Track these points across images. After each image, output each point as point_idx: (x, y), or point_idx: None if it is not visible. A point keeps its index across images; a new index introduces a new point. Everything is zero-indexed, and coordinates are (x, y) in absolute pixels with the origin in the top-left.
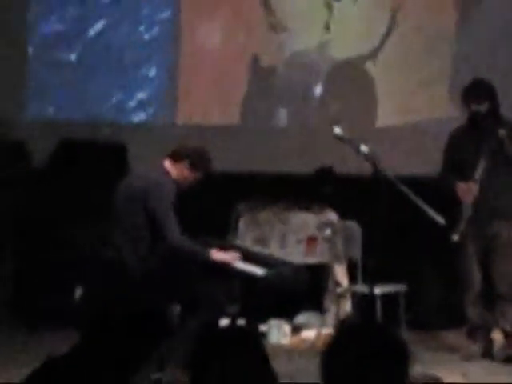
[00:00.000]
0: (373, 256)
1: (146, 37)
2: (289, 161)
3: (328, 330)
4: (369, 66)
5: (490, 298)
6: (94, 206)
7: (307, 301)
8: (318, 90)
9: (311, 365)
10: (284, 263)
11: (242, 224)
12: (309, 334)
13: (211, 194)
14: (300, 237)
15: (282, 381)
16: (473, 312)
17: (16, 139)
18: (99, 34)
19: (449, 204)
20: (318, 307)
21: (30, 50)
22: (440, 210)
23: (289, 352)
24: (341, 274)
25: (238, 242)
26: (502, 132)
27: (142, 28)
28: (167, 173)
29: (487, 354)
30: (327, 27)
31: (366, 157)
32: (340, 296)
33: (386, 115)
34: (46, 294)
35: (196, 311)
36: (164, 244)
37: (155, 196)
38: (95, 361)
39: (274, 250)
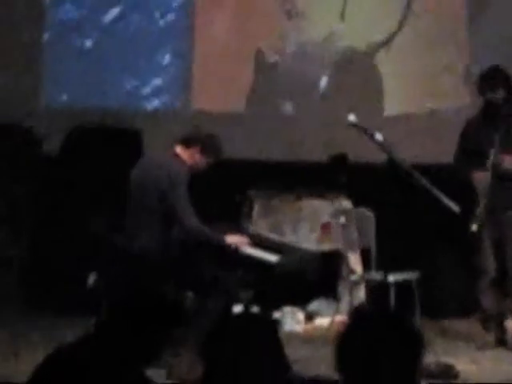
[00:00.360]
0: (386, 244)
1: (161, 24)
2: (303, 148)
3: (341, 318)
4: (381, 54)
5: (504, 286)
6: (108, 192)
7: (321, 288)
8: (326, 79)
9: (325, 352)
10: (298, 250)
11: (256, 211)
12: (322, 321)
13: (225, 181)
14: (314, 224)
15: (295, 368)
16: (486, 301)
17: (30, 126)
18: (114, 20)
19: (464, 192)
20: (332, 295)
21: (46, 36)
22: (455, 198)
23: (302, 339)
24: (354, 261)
25: (252, 228)
26: None
27: (156, 15)
28: (179, 158)
29: (501, 342)
30: (342, 15)
31: (381, 145)
32: (354, 283)
33: (400, 103)
34: (60, 281)
35: (208, 298)
36: (180, 229)
37: (170, 182)
38: (108, 349)
39: (287, 237)
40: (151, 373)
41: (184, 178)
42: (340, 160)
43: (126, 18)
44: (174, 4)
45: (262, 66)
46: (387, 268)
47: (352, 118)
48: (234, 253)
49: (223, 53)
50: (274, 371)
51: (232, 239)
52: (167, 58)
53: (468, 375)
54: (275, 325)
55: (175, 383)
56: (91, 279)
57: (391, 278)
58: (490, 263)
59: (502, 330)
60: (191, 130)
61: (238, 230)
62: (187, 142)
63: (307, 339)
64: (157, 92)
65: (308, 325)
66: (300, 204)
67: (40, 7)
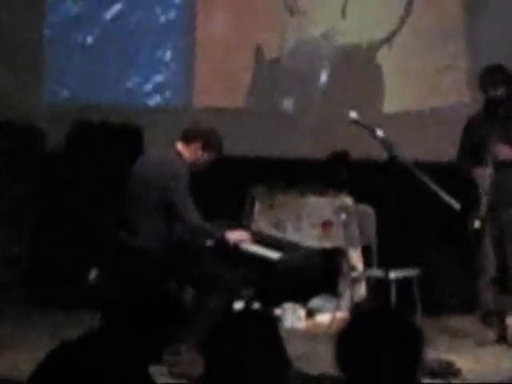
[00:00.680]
0: (387, 241)
1: (162, 20)
2: (304, 146)
3: (342, 315)
4: (383, 51)
5: (504, 283)
6: (110, 188)
7: (322, 285)
8: (326, 76)
9: (325, 349)
10: (299, 247)
11: (257, 208)
12: (323, 318)
13: (226, 178)
14: (315, 221)
15: (296, 365)
16: (487, 297)
17: (32, 122)
18: (115, 17)
19: (466, 190)
20: (333, 291)
21: (47, 32)
22: (456, 195)
23: (303, 336)
24: (355, 258)
25: (254, 225)
26: None
27: (158, 11)
28: (180, 155)
29: (501, 339)
30: (343, 12)
31: (382, 141)
32: (354, 280)
33: (400, 101)
34: (62, 276)
35: (209, 295)
36: (181, 225)
37: (171, 179)
38: (110, 346)
39: (289, 234)
40: (152, 370)
41: (185, 174)
42: (341, 157)
43: (128, 14)
44: (176, 0)
45: (263, 63)
46: (388, 265)
47: (353, 114)
48: (236, 250)
49: (224, 49)
50: (275, 368)
51: (234, 235)
52: (168, 55)
53: (469, 372)
54: (276, 321)
55: (176, 381)
56: (92, 275)
57: (392, 274)
58: (490, 261)
59: (503, 327)
60: (191, 125)
61: (240, 227)
62: (188, 138)
63: (308, 336)
64: (158, 88)
65: (309, 321)
66: (301, 201)
67: (41, 3)
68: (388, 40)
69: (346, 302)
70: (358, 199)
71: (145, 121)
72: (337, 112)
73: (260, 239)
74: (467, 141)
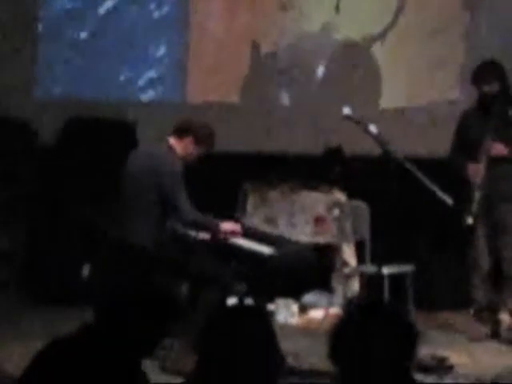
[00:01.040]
0: (381, 236)
1: (156, 15)
2: (296, 141)
3: (335, 310)
4: (377, 47)
5: (497, 279)
6: (103, 184)
7: (315, 280)
8: (322, 71)
9: (318, 344)
10: (292, 243)
11: (250, 203)
12: (316, 313)
13: (219, 173)
14: (308, 217)
15: (289, 360)
16: (480, 293)
17: (24, 118)
18: (109, 12)
19: (459, 186)
20: (326, 287)
21: (40, 27)
22: (449, 191)
23: (296, 331)
24: (349, 253)
25: (247, 221)
26: (511, 113)
27: (152, 7)
28: (172, 149)
29: (495, 335)
30: (337, 7)
31: (375, 137)
32: (348, 276)
33: (396, 96)
34: (55, 272)
35: (203, 290)
36: (175, 216)
37: (165, 173)
38: (104, 341)
39: (282, 229)
40: (144, 365)
41: (178, 167)
42: (335, 152)
43: (121, 9)
44: None
45: (258, 58)
46: (381, 260)
47: (347, 110)
48: (228, 245)
49: (218, 44)
50: (268, 363)
51: (227, 226)
52: (162, 50)
53: (462, 368)
54: (269, 317)
55: (168, 376)
56: (85, 270)
57: (385, 270)
58: (483, 256)
59: (496, 322)
60: (183, 120)
61: (232, 220)
62: (180, 133)
63: (301, 331)
64: (151, 84)
65: (302, 317)
66: (294, 196)
67: None
68: (383, 35)
69: (339, 298)
70: (351, 195)
71: (138, 116)
72: (332, 108)
73: (253, 234)
74: (462, 136)
